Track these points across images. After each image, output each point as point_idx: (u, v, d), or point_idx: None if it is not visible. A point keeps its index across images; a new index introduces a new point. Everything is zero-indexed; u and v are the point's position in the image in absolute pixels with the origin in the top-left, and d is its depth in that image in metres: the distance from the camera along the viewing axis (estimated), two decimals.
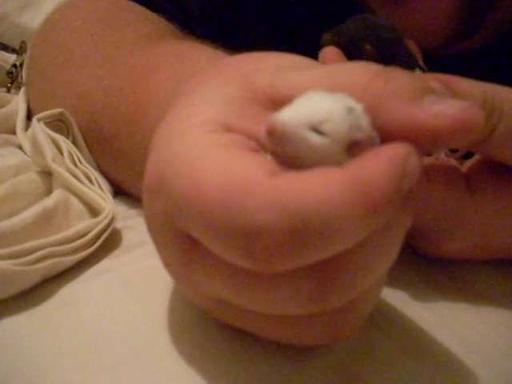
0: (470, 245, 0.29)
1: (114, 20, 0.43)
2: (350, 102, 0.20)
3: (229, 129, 0.22)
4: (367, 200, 0.18)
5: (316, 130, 0.20)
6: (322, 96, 0.20)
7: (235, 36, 0.46)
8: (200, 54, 0.33)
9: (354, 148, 0.20)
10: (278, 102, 0.22)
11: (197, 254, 0.22)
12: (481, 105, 0.25)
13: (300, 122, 0.20)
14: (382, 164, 0.19)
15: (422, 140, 0.20)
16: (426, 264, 0.31)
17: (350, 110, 0.20)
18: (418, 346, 0.26)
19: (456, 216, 0.27)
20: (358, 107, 0.20)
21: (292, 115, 0.20)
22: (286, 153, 0.20)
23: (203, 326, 0.26)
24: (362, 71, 0.22)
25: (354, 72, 0.22)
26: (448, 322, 0.28)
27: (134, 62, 0.36)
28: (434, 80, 0.24)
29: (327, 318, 0.22)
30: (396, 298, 0.29)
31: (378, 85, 0.21)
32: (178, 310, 0.28)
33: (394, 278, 0.30)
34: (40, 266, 0.29)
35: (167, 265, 0.24)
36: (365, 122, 0.20)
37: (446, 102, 0.20)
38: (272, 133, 0.20)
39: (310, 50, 0.36)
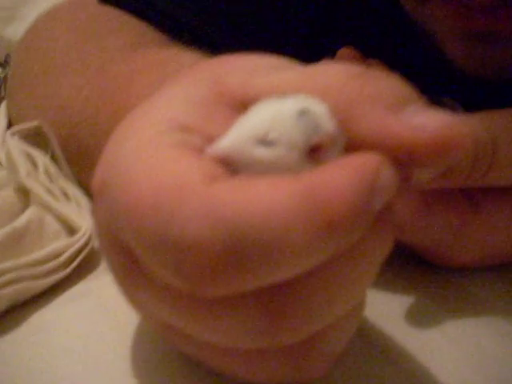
0: (480, 255, 0.28)
1: (96, 28, 0.42)
2: (306, 104, 0.18)
3: (186, 129, 0.19)
4: (322, 215, 0.16)
5: (264, 142, 0.18)
6: (271, 104, 0.19)
7: (222, 43, 0.44)
8: (184, 60, 0.32)
9: (316, 153, 0.18)
10: (249, 104, 0.20)
11: (138, 270, 0.19)
12: (473, 152, 0.24)
13: (243, 139, 0.18)
14: (345, 175, 0.16)
15: (397, 155, 0.18)
16: (423, 273, 0.30)
17: (302, 113, 0.18)
18: (417, 367, 0.24)
19: (462, 233, 0.27)
20: (318, 108, 0.18)
21: (232, 137, 0.19)
22: (243, 172, 0.19)
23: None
24: (339, 73, 0.19)
25: (330, 73, 0.20)
26: (452, 338, 0.26)
27: (116, 70, 0.35)
28: None
29: (285, 354, 0.19)
30: (392, 310, 0.28)
31: (354, 88, 0.19)
32: (158, 338, 0.25)
33: (388, 287, 0.29)
34: (8, 290, 0.26)
35: (115, 278, 0.22)
36: (326, 124, 0.18)
37: (429, 114, 0.18)
38: (218, 161, 0.19)
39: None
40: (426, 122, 0.18)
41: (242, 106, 0.20)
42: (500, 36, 0.32)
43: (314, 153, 0.18)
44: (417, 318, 0.27)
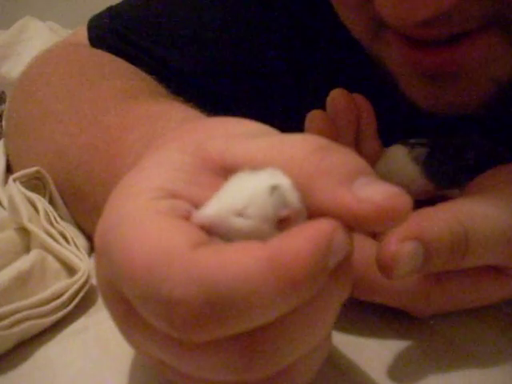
0: (448, 309, 0.31)
1: (90, 74, 0.44)
2: (276, 179, 0.21)
3: (175, 195, 0.22)
4: (285, 276, 0.19)
5: (241, 214, 0.21)
6: (246, 179, 0.22)
7: (211, 94, 0.47)
8: (171, 115, 0.34)
9: (283, 223, 0.21)
10: (228, 169, 0.23)
11: (134, 317, 0.22)
12: (449, 245, 0.26)
13: (224, 211, 0.22)
14: (303, 240, 0.19)
15: (348, 222, 0.21)
16: (414, 323, 0.32)
17: (273, 190, 0.21)
18: None
19: (429, 298, 0.29)
20: (285, 183, 0.21)
21: (215, 208, 0.22)
22: (220, 236, 0.22)
23: None
24: (302, 146, 0.22)
25: (294, 146, 0.22)
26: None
27: (109, 121, 0.37)
28: None
29: None
30: (380, 357, 0.30)
31: (313, 162, 0.21)
32: (151, 370, 0.28)
33: (379, 334, 0.31)
34: (16, 329, 0.29)
35: (114, 322, 0.25)
36: (292, 198, 0.21)
37: (375, 187, 0.21)
38: (201, 227, 0.22)
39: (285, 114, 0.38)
40: (371, 194, 0.20)
41: (222, 170, 0.23)
42: (446, 76, 0.35)
43: (282, 223, 0.21)
44: (403, 367, 0.29)
